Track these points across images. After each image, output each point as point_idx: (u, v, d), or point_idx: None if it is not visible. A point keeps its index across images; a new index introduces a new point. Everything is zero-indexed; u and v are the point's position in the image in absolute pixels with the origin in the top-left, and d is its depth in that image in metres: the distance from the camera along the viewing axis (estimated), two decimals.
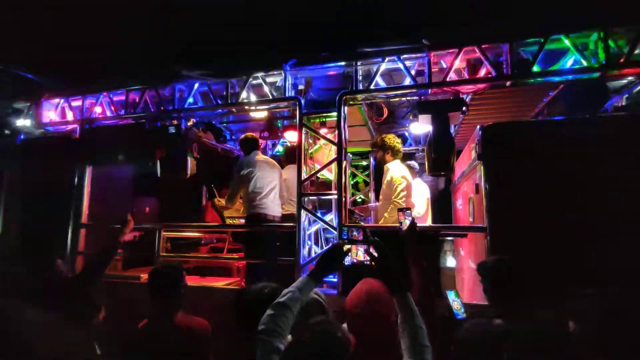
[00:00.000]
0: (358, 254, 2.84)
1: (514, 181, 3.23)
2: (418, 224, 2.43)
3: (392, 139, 4.52)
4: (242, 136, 4.63)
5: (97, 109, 4.99)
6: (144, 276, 4.38)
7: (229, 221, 5.31)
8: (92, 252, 4.59)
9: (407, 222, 2.40)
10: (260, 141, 5.90)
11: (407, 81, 3.84)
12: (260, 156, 4.47)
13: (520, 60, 3.52)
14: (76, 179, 4.79)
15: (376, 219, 4.87)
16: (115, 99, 4.93)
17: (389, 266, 1.79)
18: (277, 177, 4.49)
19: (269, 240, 4.20)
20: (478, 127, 3.45)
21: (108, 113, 4.95)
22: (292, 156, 4.70)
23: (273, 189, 4.39)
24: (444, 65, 3.80)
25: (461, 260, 4.71)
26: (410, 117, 5.41)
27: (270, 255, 4.10)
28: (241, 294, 1.95)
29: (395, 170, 4.43)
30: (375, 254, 1.82)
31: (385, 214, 4.25)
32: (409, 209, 2.54)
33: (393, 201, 4.20)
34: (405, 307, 1.67)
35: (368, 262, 2.50)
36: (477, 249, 3.67)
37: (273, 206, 4.35)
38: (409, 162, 5.52)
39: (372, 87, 3.90)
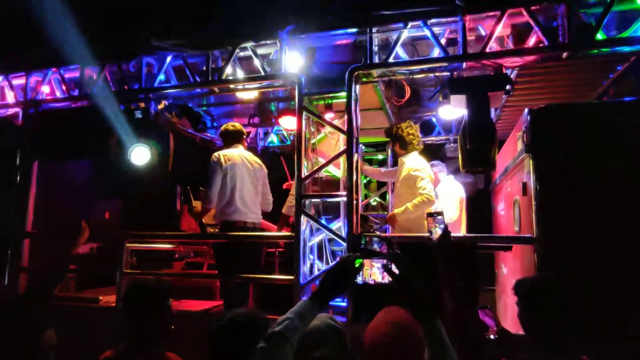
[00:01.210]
0: (373, 270, 2.83)
1: (572, 179, 3.20)
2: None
3: (405, 129, 4.62)
4: (223, 127, 4.69)
5: (45, 89, 5.01)
6: (104, 299, 4.40)
7: (210, 230, 5.31)
8: (39, 267, 4.60)
9: (438, 231, 2.38)
10: (249, 129, 5.93)
11: (436, 52, 3.82)
12: (242, 152, 4.53)
13: (580, 26, 3.49)
14: (18, 177, 4.80)
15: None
16: (67, 75, 4.95)
17: (414, 287, 1.77)
18: (260, 178, 4.55)
19: (250, 253, 4.23)
20: (526, 110, 3.43)
21: (58, 94, 4.97)
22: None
23: (255, 191, 4.46)
24: (483, 33, 3.78)
25: (503, 280, 4.69)
26: (440, 99, 5.39)
27: (251, 271, 4.13)
28: (211, 324, 1.92)
29: (412, 162, 4.50)
30: (396, 272, 1.80)
31: (397, 211, 4.34)
32: (440, 213, 2.51)
33: (419, 194, 4.30)
34: (435, 341, 1.65)
35: (387, 282, 2.48)
36: (524, 266, 3.65)
37: (252, 212, 4.41)
38: (433, 162, 5.56)
39: (390, 60, 3.89)
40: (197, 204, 5.52)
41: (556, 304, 2.15)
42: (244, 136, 4.75)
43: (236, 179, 4.32)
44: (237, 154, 4.45)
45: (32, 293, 3.07)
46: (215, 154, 4.40)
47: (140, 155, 4.45)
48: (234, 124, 4.69)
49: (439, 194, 5.35)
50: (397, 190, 4.69)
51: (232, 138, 4.59)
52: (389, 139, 5.15)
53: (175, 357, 2.45)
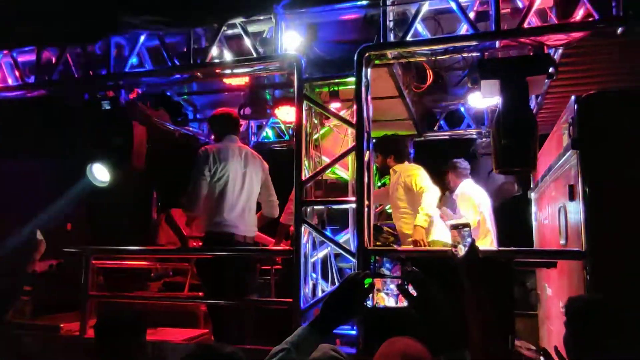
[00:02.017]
0: (385, 292, 2.81)
1: (630, 181, 3.17)
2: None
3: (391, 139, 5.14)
4: (214, 113, 4.64)
5: None
6: (65, 326, 4.39)
7: (193, 244, 5.31)
8: None
9: (464, 246, 2.36)
10: (240, 121, 5.90)
11: (464, 29, 3.80)
12: (237, 144, 4.48)
13: None
14: None
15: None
16: (21, 59, 4.96)
17: (435, 313, 1.76)
18: (259, 178, 4.50)
19: (241, 272, 4.21)
20: (573, 98, 3.40)
21: (10, 81, 4.96)
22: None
23: (249, 197, 4.42)
24: (520, 4, 3.76)
25: (547, 302, 4.67)
26: (468, 85, 5.35)
27: (245, 294, 4.12)
28: None
29: (407, 170, 4.94)
30: (414, 293, 1.78)
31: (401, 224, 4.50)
32: (467, 225, 2.50)
33: (422, 214, 4.65)
34: None
35: (402, 306, 2.47)
36: (572, 286, 3.63)
37: (245, 222, 4.38)
38: (456, 161, 5.57)
39: (409, 38, 3.87)
40: (178, 213, 5.52)
41: (608, 331, 2.15)
42: (239, 125, 4.70)
43: (227, 182, 4.27)
44: (230, 149, 4.37)
45: None
46: (202, 149, 4.38)
47: (99, 174, 4.47)
48: (227, 110, 4.64)
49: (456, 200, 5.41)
50: (393, 201, 4.92)
51: (224, 127, 4.51)
52: (377, 152, 5.31)
53: None
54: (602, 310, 2.22)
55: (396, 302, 2.60)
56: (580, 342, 2.21)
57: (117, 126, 4.51)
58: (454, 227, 2.74)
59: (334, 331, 1.83)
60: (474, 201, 5.48)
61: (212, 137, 4.66)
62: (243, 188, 4.36)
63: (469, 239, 2.35)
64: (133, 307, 4.32)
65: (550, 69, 3.63)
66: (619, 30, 3.51)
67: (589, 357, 2.18)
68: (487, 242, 5.40)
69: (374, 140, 4.83)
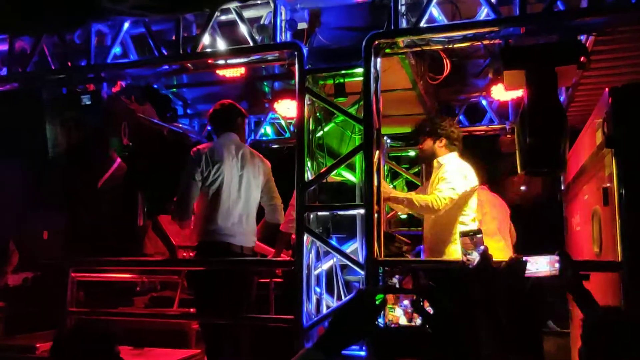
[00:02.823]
0: (399, 309, 2.81)
1: None
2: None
3: (449, 123, 4.75)
4: (215, 106, 4.64)
5: None
6: (42, 347, 4.42)
7: (184, 255, 5.34)
8: None
9: (475, 255, 2.38)
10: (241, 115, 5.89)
11: (484, 13, 3.83)
12: (234, 143, 4.50)
13: None
14: None
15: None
16: None
17: (453, 333, 1.77)
18: (256, 182, 4.52)
19: (237, 286, 4.24)
20: (607, 90, 3.40)
21: None
22: None
23: (247, 202, 4.44)
24: None
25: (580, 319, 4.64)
26: (490, 75, 5.38)
27: (241, 310, 4.14)
28: None
29: (454, 165, 4.57)
30: (430, 310, 1.80)
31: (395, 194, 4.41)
32: (478, 232, 2.52)
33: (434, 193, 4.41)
34: None
35: (418, 325, 2.48)
36: (607, 301, 3.62)
37: (242, 231, 4.40)
38: None
39: (423, 24, 3.88)
40: (167, 220, 5.55)
41: (626, 346, 2.16)
42: (242, 119, 4.70)
43: (221, 186, 4.29)
44: (225, 148, 4.39)
45: None
46: (194, 149, 4.41)
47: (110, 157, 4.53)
48: (225, 103, 4.64)
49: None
50: None
51: (223, 123, 4.54)
52: (416, 135, 5.15)
53: None
54: (619, 325, 2.23)
55: (410, 320, 2.60)
56: (595, 357, 2.23)
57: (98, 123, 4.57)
58: (465, 234, 2.76)
59: (343, 352, 1.84)
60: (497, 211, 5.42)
61: (213, 134, 4.64)
62: (240, 192, 4.38)
63: (481, 247, 2.37)
64: (100, 322, 4.33)
65: (582, 58, 3.61)
66: None
67: None
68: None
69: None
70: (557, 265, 2.85)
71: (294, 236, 4.61)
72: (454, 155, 4.72)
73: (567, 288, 2.75)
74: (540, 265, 3.03)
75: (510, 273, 2.33)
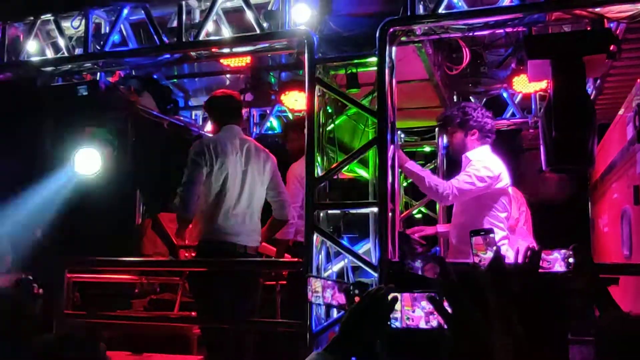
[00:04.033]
0: (415, 311, 2.83)
1: None
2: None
3: (479, 112, 4.56)
4: (211, 95, 4.66)
5: None
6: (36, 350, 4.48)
7: (185, 255, 5.38)
8: None
9: (489, 255, 2.42)
10: (242, 106, 5.96)
11: None
12: (238, 136, 4.53)
13: None
14: None
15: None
16: None
17: (475, 336, 1.79)
18: (261, 179, 4.54)
19: (242, 288, 4.26)
20: (639, 81, 3.42)
21: None
22: (298, 137, 4.72)
23: (251, 199, 4.46)
24: None
25: None
26: (513, 65, 5.37)
27: (245, 314, 4.15)
28: None
29: (483, 158, 4.46)
30: (450, 311, 1.82)
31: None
32: (491, 230, 2.55)
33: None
34: None
35: (435, 327, 2.51)
36: (637, 306, 3.64)
37: (246, 230, 4.42)
38: None
39: (441, 10, 3.88)
40: (167, 218, 5.58)
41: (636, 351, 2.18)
42: (242, 110, 4.73)
43: (225, 182, 4.31)
44: (229, 142, 4.40)
45: None
46: (198, 142, 4.43)
47: (88, 161, 4.55)
48: (226, 92, 4.64)
49: None
50: None
51: (223, 114, 4.53)
52: (441, 127, 5.12)
53: None
54: (631, 329, 2.25)
55: (427, 322, 2.62)
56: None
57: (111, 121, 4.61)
58: (475, 233, 2.79)
59: (354, 358, 1.86)
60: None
61: (212, 126, 4.65)
62: (243, 189, 4.39)
63: (493, 247, 2.39)
64: (88, 325, 4.37)
65: (612, 47, 3.62)
66: None
67: None
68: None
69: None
70: (571, 260, 2.85)
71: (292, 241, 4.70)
72: (486, 149, 4.55)
73: (584, 286, 2.72)
74: (554, 261, 3.04)
75: (524, 268, 2.34)
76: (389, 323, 1.90)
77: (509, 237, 4.74)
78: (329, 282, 3.80)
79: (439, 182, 4.38)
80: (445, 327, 1.82)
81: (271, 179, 4.59)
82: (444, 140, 6.25)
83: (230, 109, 4.55)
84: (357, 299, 1.86)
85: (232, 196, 4.34)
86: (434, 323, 2.45)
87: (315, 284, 3.50)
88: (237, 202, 4.36)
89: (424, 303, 2.54)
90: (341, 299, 3.64)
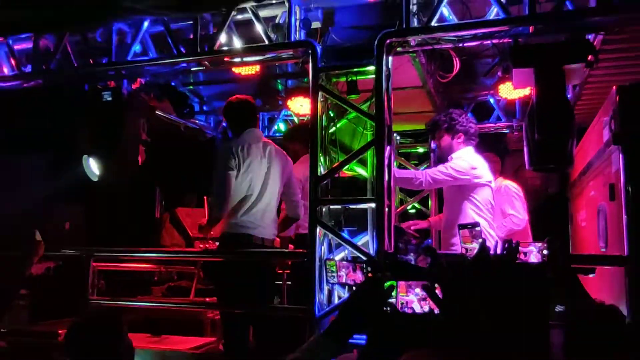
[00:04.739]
0: (409, 297, 2.80)
1: None
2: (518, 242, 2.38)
3: (464, 117, 4.68)
4: (228, 101, 4.57)
5: None
6: (64, 333, 4.45)
7: (200, 246, 5.35)
8: None
9: (475, 246, 2.38)
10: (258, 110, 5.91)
11: (494, 13, 3.79)
12: (261, 138, 4.50)
13: None
14: None
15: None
16: (17, 47, 5.03)
17: (466, 321, 1.74)
18: (279, 179, 4.50)
19: (260, 277, 4.23)
20: (614, 88, 3.40)
21: (6, 70, 5.05)
22: (301, 138, 4.69)
23: (271, 197, 4.43)
24: None
25: None
26: (499, 74, 5.34)
27: (261, 300, 4.13)
28: None
29: (464, 156, 4.56)
30: (441, 296, 1.77)
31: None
32: (477, 224, 2.53)
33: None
34: None
35: (428, 312, 2.47)
36: (612, 295, 3.60)
37: (264, 224, 4.38)
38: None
39: (434, 23, 3.86)
40: (183, 212, 5.56)
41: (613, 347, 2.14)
42: (258, 116, 4.66)
43: (251, 182, 4.28)
44: (253, 144, 4.35)
45: None
46: (227, 144, 4.40)
47: (93, 167, 4.57)
48: (243, 97, 4.55)
49: None
50: (446, 194, 4.69)
51: (242, 119, 4.45)
52: (430, 131, 5.11)
53: None
54: (599, 315, 2.23)
55: (421, 307, 2.59)
56: (578, 347, 2.22)
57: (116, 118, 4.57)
58: (463, 227, 2.78)
59: (352, 341, 1.82)
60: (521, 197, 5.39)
61: (230, 129, 4.59)
62: (265, 188, 4.36)
63: (478, 239, 2.37)
64: (111, 308, 4.38)
65: (590, 57, 3.59)
66: None
67: None
68: None
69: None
70: (545, 252, 2.85)
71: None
72: (470, 149, 4.68)
73: (556, 275, 2.70)
74: (530, 253, 3.03)
75: (502, 259, 2.31)
76: (385, 309, 1.86)
77: (493, 228, 4.74)
78: (344, 263, 3.81)
79: (410, 172, 4.50)
80: (437, 311, 1.77)
81: (288, 180, 4.55)
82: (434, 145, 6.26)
83: (249, 113, 4.49)
84: (369, 275, 1.83)
85: (254, 195, 4.31)
86: (426, 308, 2.43)
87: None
88: (259, 200, 4.33)
89: (417, 290, 2.51)
90: (356, 277, 3.63)
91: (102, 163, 4.59)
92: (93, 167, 4.60)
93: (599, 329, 2.19)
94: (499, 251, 2.34)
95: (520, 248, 2.95)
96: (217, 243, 4.80)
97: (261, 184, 4.34)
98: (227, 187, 4.21)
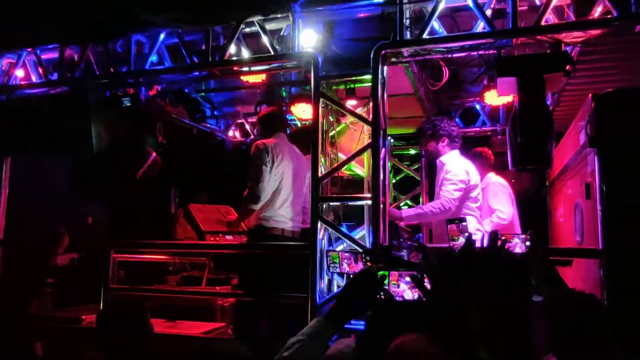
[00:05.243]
0: (400, 285, 2.81)
1: None
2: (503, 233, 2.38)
3: (446, 123, 4.69)
4: (263, 112, 4.76)
5: (19, 73, 5.10)
6: (87, 318, 4.46)
7: (211, 239, 5.35)
8: (12, 280, 4.69)
9: (462, 240, 2.39)
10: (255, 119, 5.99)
11: (480, 27, 3.79)
12: (288, 143, 4.58)
13: None
14: None
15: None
16: (44, 57, 5.03)
17: (451, 308, 1.74)
18: (306, 178, 4.56)
19: (279, 267, 4.24)
20: (590, 96, 3.39)
21: (34, 78, 5.06)
22: (303, 141, 4.69)
23: (299, 194, 4.50)
24: (537, 2, 3.74)
25: None
26: (485, 82, 5.34)
27: (276, 289, 4.16)
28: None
29: (455, 163, 4.52)
30: (429, 287, 1.77)
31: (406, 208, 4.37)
32: (463, 219, 2.55)
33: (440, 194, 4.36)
34: None
35: (417, 300, 2.47)
36: (588, 285, 3.59)
37: (294, 218, 4.43)
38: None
39: (425, 35, 3.86)
40: (196, 208, 5.56)
41: (593, 335, 2.14)
42: (286, 124, 4.76)
43: (282, 177, 4.35)
44: (285, 146, 4.47)
45: (3, 309, 3.15)
46: (259, 142, 4.41)
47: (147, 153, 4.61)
48: (275, 109, 4.76)
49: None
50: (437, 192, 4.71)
51: (274, 124, 4.58)
52: (419, 138, 5.12)
53: None
54: (582, 304, 2.23)
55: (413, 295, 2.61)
56: (562, 340, 2.22)
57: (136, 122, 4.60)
58: (451, 222, 2.80)
59: (349, 326, 1.83)
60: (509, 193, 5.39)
61: (262, 133, 4.68)
62: (293, 185, 4.43)
63: (465, 234, 2.38)
64: (135, 297, 4.36)
65: (568, 67, 3.60)
66: (638, 27, 3.47)
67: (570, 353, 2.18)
68: None
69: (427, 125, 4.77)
70: (528, 243, 2.86)
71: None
72: (455, 153, 4.67)
73: (537, 265, 2.71)
74: (515, 244, 3.04)
75: (489, 250, 2.31)
76: (378, 296, 1.87)
77: (481, 223, 4.74)
78: (346, 254, 3.81)
79: (435, 204, 4.45)
80: (425, 299, 1.78)
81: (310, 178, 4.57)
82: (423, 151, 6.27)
83: (279, 120, 4.66)
84: (368, 264, 1.83)
85: (285, 190, 4.37)
86: (415, 296, 2.43)
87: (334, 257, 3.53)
88: (288, 195, 4.40)
89: (408, 279, 2.51)
90: (357, 268, 3.63)
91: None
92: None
93: (583, 317, 2.18)
94: (485, 242, 2.34)
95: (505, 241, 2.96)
96: (230, 237, 4.82)
97: (291, 181, 4.41)
98: (259, 182, 4.26)
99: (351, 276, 3.94)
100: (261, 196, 4.28)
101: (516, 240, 3.12)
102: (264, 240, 4.30)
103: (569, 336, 2.17)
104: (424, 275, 1.80)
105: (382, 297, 2.13)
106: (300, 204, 4.55)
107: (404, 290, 2.62)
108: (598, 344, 2.14)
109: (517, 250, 3.11)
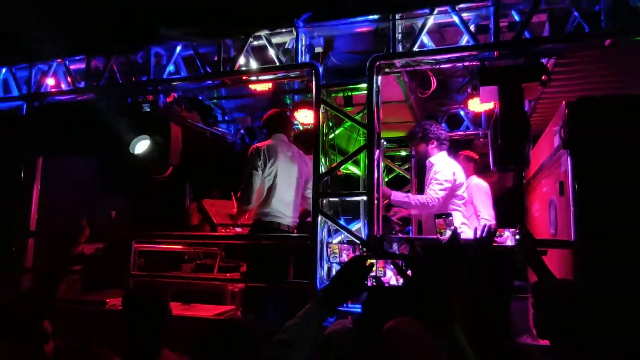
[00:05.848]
0: (386, 273, 2.82)
1: (616, 178, 3.14)
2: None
3: (434, 126, 4.66)
4: (269, 113, 4.69)
5: (50, 81, 5.11)
6: (110, 301, 4.46)
7: (222, 230, 5.35)
8: (41, 268, 4.69)
9: (448, 233, 2.39)
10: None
11: (465, 40, 3.80)
12: (286, 143, 4.52)
13: (628, 9, 3.40)
14: (22, 173, 4.89)
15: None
16: (72, 67, 5.04)
17: (428, 290, 1.73)
18: (301, 176, 4.51)
19: (281, 256, 4.24)
20: (564, 103, 3.38)
21: (63, 86, 5.06)
22: (305, 142, 4.69)
23: (296, 191, 4.45)
24: (517, 19, 3.73)
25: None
26: (469, 90, 5.34)
27: (280, 276, 4.16)
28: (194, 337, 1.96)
29: (443, 164, 4.49)
30: (409, 273, 1.78)
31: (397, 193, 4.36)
32: (449, 215, 2.55)
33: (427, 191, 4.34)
34: (451, 345, 1.62)
35: (401, 285, 2.47)
36: (560, 274, 3.59)
37: (290, 214, 4.40)
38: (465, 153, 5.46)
39: (415, 48, 3.87)
40: (208, 202, 5.56)
41: (577, 318, 2.13)
42: (288, 123, 4.67)
43: (276, 176, 4.29)
44: (278, 146, 4.38)
45: (33, 293, 3.14)
46: (254, 147, 4.39)
47: (140, 146, 4.54)
48: (275, 110, 4.64)
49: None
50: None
51: (273, 126, 4.53)
52: (410, 140, 5.10)
53: (174, 356, 2.49)
54: (569, 296, 2.22)
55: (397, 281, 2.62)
56: (549, 324, 2.21)
57: (156, 126, 4.57)
58: (438, 216, 2.80)
59: (345, 309, 1.82)
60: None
61: (266, 133, 4.67)
62: (290, 182, 4.38)
63: (452, 227, 2.38)
64: (157, 283, 4.38)
65: (543, 77, 3.60)
66: (607, 42, 3.47)
67: (558, 337, 2.18)
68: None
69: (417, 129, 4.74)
70: (517, 237, 2.87)
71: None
72: (444, 155, 4.65)
73: (526, 256, 2.72)
74: (505, 237, 3.04)
75: (482, 240, 2.32)
76: (365, 281, 1.86)
77: (468, 218, 4.73)
78: (345, 246, 3.82)
79: (421, 198, 4.41)
80: (407, 284, 1.78)
81: (308, 177, 4.55)
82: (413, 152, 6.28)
83: (277, 122, 4.56)
84: (364, 253, 1.84)
85: (280, 188, 4.32)
86: (401, 281, 2.44)
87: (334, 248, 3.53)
88: (284, 193, 4.35)
89: (392, 267, 2.52)
90: None
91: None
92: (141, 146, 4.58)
93: (564, 300, 2.19)
94: (478, 235, 2.35)
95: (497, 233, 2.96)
96: (238, 229, 4.80)
97: (287, 179, 4.36)
98: (251, 184, 4.23)
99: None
100: (252, 198, 4.25)
101: (507, 233, 3.13)
102: (262, 233, 4.28)
103: (553, 317, 2.18)
104: (407, 265, 1.81)
105: (374, 283, 2.14)
106: (297, 200, 4.49)
107: (390, 277, 2.62)
108: (578, 325, 2.14)
109: (508, 243, 3.12)
